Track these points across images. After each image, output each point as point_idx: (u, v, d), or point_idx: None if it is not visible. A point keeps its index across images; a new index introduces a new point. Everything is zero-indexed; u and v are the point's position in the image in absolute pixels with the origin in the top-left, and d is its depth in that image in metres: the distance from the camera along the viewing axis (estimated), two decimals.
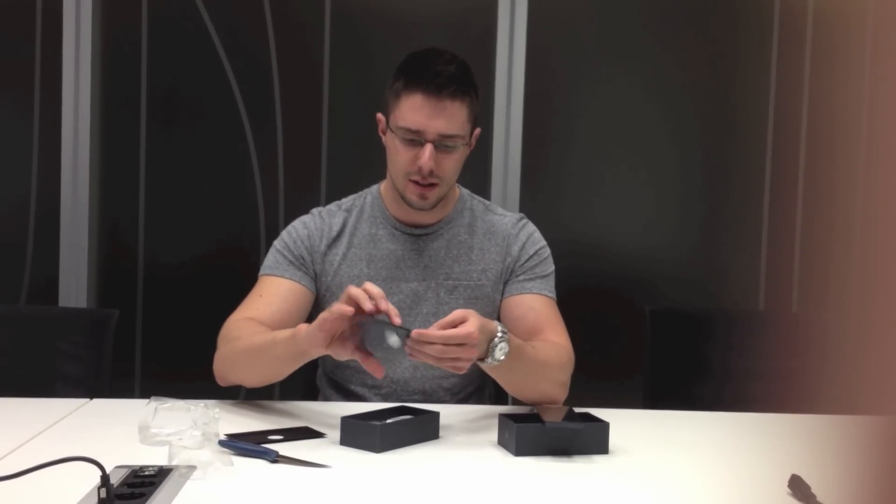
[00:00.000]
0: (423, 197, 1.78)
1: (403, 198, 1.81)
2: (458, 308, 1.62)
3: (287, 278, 1.81)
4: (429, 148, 1.72)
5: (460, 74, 1.74)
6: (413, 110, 1.72)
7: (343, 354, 1.51)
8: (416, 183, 1.76)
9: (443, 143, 1.74)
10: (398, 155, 1.76)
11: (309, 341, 1.52)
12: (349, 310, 1.46)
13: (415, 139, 1.73)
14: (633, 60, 2.78)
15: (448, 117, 1.72)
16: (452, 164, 1.77)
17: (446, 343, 1.45)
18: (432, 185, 1.77)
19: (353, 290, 1.48)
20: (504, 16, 2.68)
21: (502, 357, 1.55)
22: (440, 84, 1.71)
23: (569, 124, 2.78)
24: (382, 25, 2.71)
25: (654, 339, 2.17)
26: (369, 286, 1.49)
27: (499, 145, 2.69)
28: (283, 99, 2.72)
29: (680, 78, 2.79)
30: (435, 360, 1.47)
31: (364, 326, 1.48)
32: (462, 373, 1.53)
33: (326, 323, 1.48)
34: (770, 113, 2.78)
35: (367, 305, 1.46)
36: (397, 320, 1.47)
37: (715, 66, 2.79)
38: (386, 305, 1.47)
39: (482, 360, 1.55)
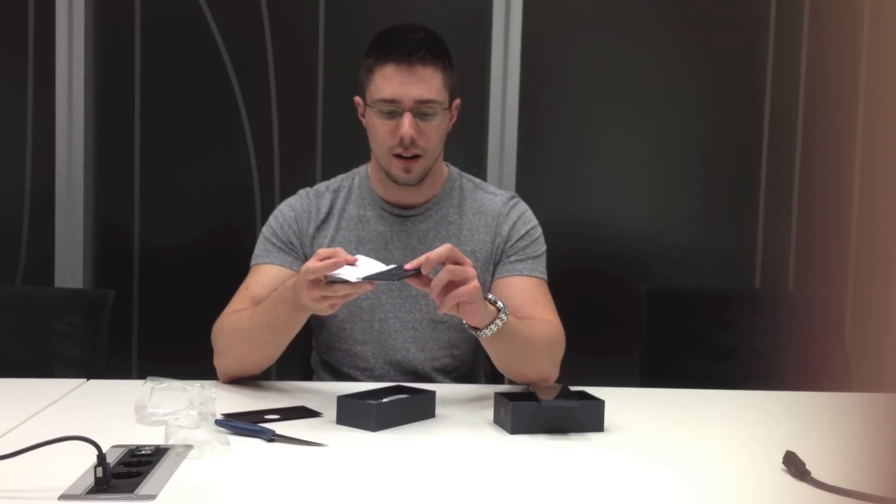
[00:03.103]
0: (407, 170, 1.76)
1: (389, 174, 1.79)
2: None
3: (276, 264, 1.80)
4: (407, 116, 1.72)
5: (429, 41, 1.75)
6: (386, 80, 1.72)
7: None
8: (400, 157, 1.75)
9: (421, 111, 1.73)
10: (378, 131, 1.76)
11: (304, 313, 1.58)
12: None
13: (392, 110, 1.73)
14: (632, 41, 2.77)
15: (422, 81, 1.72)
16: (433, 132, 1.76)
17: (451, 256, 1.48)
18: (416, 157, 1.76)
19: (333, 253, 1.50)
20: None
21: (507, 310, 1.57)
22: (409, 50, 1.71)
23: (565, 104, 2.77)
24: (376, 7, 2.70)
25: (651, 317, 2.17)
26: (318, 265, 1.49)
27: (495, 126, 2.68)
28: (278, 81, 2.71)
29: (679, 58, 2.78)
30: (447, 280, 1.47)
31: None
32: (474, 297, 1.49)
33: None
34: (767, 93, 2.77)
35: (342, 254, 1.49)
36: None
37: (713, 48, 2.78)
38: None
39: (492, 322, 1.55)
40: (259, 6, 2.69)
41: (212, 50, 2.69)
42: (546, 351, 1.71)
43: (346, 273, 1.48)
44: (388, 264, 1.52)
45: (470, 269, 1.50)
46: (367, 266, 1.51)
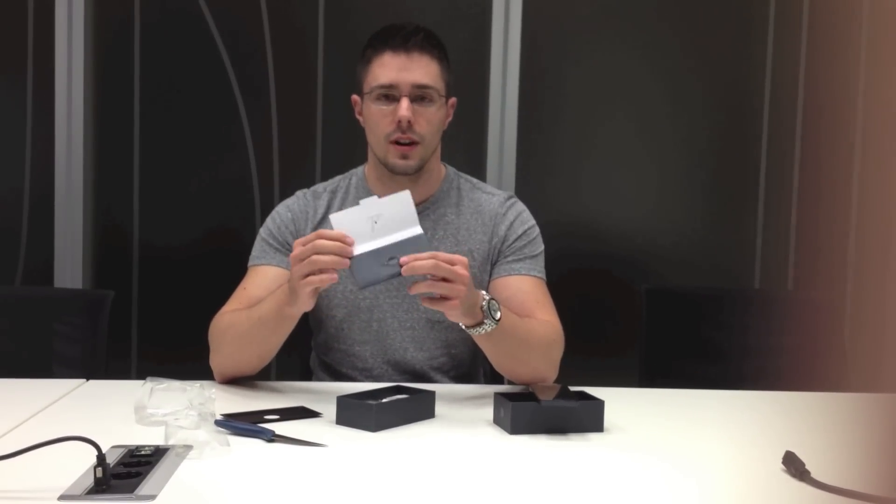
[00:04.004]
0: (405, 157, 1.76)
1: (386, 164, 1.79)
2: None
3: (274, 265, 1.80)
4: (405, 100, 1.73)
5: (426, 32, 1.77)
6: (383, 67, 1.74)
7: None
8: (397, 144, 1.75)
9: (418, 97, 1.74)
10: (375, 118, 1.76)
11: (300, 309, 1.58)
12: (334, 278, 1.51)
13: (390, 95, 1.74)
14: (631, 41, 2.77)
15: (419, 67, 1.74)
16: (431, 118, 1.76)
17: (437, 260, 1.48)
18: (413, 144, 1.76)
19: (323, 260, 1.49)
20: None
21: (498, 315, 1.58)
22: (406, 36, 1.74)
23: (564, 104, 2.77)
24: (376, 8, 2.70)
25: (650, 317, 2.17)
26: (327, 246, 1.50)
27: (494, 126, 2.68)
28: (278, 82, 2.71)
29: (678, 58, 2.78)
30: (429, 278, 1.49)
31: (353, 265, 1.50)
32: (455, 310, 1.52)
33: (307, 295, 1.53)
34: (766, 93, 2.78)
35: (349, 251, 1.49)
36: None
37: (712, 48, 2.78)
38: (351, 242, 1.50)
39: (480, 324, 1.57)
40: (259, 7, 2.69)
41: (211, 51, 2.69)
42: (543, 352, 1.71)
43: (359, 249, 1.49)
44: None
45: (456, 287, 1.50)
46: (354, 230, 1.51)
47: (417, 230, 1.51)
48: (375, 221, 1.51)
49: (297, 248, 1.52)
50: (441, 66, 1.78)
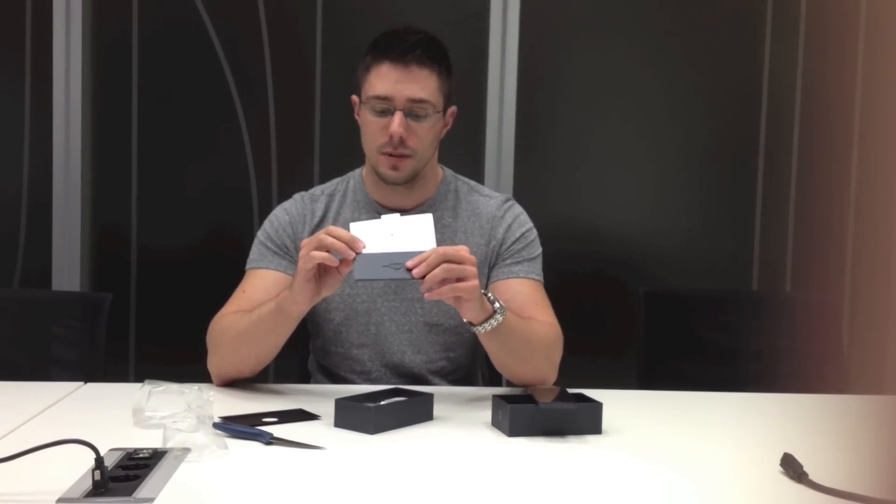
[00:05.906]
0: (394, 168, 1.76)
1: (377, 172, 1.79)
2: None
3: (272, 269, 1.80)
4: (398, 115, 1.72)
5: (427, 43, 1.75)
6: (380, 78, 1.73)
7: (335, 287, 1.58)
8: (388, 154, 1.75)
9: (413, 112, 1.73)
10: (369, 128, 1.76)
11: (294, 299, 1.57)
12: (335, 260, 1.52)
13: (385, 108, 1.73)
14: (628, 44, 2.77)
15: (416, 82, 1.72)
16: (424, 134, 1.75)
17: (444, 260, 1.48)
18: (405, 157, 1.75)
19: (330, 241, 1.51)
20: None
21: (504, 310, 1.58)
22: (405, 49, 1.72)
23: (562, 107, 2.77)
24: (374, 11, 2.70)
25: (648, 319, 2.17)
26: (339, 232, 1.52)
27: (492, 128, 2.68)
28: (276, 84, 2.71)
29: (675, 60, 2.78)
30: (442, 277, 1.49)
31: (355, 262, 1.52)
32: (472, 295, 1.51)
33: (306, 273, 1.54)
34: (764, 94, 2.78)
35: (359, 247, 1.50)
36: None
37: (709, 50, 2.78)
38: (362, 245, 1.52)
39: (490, 317, 1.57)
40: (257, 9, 2.69)
41: (209, 53, 2.69)
42: (544, 352, 1.71)
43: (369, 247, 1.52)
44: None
45: (469, 268, 1.51)
46: (368, 238, 1.53)
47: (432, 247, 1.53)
48: (392, 234, 1.53)
49: (308, 238, 1.55)
50: (440, 79, 1.76)
